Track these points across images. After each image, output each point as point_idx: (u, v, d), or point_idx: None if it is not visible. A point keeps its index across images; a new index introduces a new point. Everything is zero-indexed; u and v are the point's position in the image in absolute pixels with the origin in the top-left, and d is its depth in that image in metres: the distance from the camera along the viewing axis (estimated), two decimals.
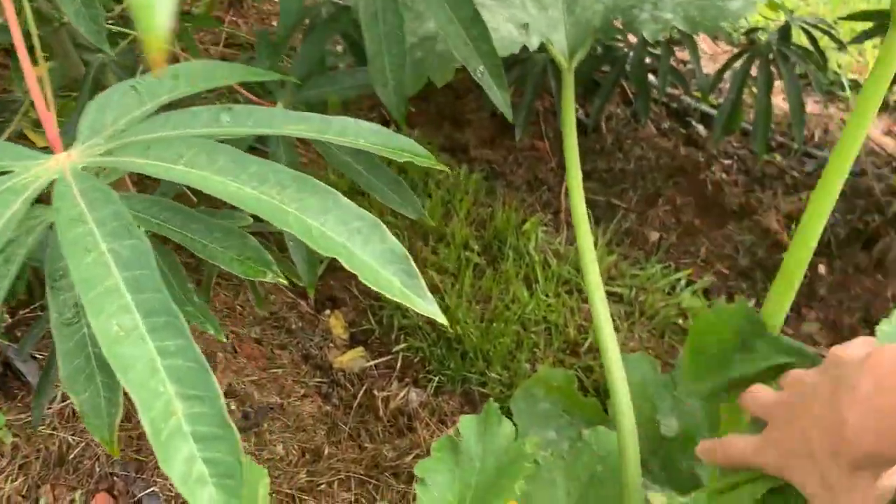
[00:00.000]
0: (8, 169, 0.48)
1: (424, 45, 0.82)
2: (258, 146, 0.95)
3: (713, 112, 1.85)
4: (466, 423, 0.82)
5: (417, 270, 0.47)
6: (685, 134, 2.03)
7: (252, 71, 0.62)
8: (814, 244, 0.76)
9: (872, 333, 1.64)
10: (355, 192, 1.46)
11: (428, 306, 0.46)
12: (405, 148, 0.57)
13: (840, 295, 1.65)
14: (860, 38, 1.61)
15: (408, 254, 0.46)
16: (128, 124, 0.53)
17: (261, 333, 1.50)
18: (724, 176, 1.88)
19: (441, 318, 0.47)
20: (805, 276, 1.72)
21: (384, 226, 0.47)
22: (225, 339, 0.99)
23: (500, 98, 0.81)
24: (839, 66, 2.46)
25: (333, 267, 1.68)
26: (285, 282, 0.64)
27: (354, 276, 1.46)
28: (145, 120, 0.53)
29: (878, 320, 1.64)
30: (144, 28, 0.26)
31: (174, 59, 1.20)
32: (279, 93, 0.94)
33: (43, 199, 0.47)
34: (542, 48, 0.89)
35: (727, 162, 1.93)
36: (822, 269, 1.70)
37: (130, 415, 1.18)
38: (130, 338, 0.40)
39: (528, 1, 0.89)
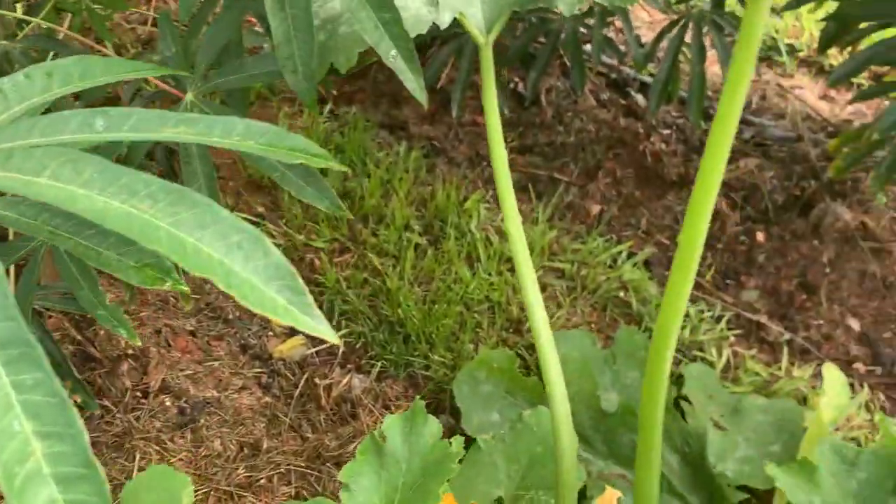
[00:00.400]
0: None
1: (327, 28, 0.79)
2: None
3: (652, 82, 1.84)
4: (391, 424, 0.80)
5: (304, 286, 0.44)
6: (624, 105, 2.02)
7: (135, 65, 0.58)
8: (708, 212, 0.76)
9: (809, 299, 1.65)
10: None
11: (317, 325, 0.44)
12: (298, 148, 0.54)
13: (778, 261, 1.67)
14: (792, 5, 1.61)
15: (293, 269, 0.44)
16: None
17: (196, 325, 1.46)
18: (663, 146, 1.88)
19: (334, 339, 0.45)
20: (744, 244, 1.74)
21: (267, 239, 0.44)
22: (140, 343, 0.95)
23: (414, 82, 0.78)
24: (776, 32, 2.47)
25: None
26: (186, 289, 0.61)
27: (294, 262, 1.42)
28: (9, 126, 0.49)
29: (814, 285, 1.65)
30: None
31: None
32: (189, 82, 0.90)
33: None
34: (456, 23, 0.86)
35: (666, 132, 1.93)
36: (760, 236, 1.71)
37: None
38: None
39: None
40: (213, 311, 1.51)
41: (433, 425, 0.84)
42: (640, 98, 2.04)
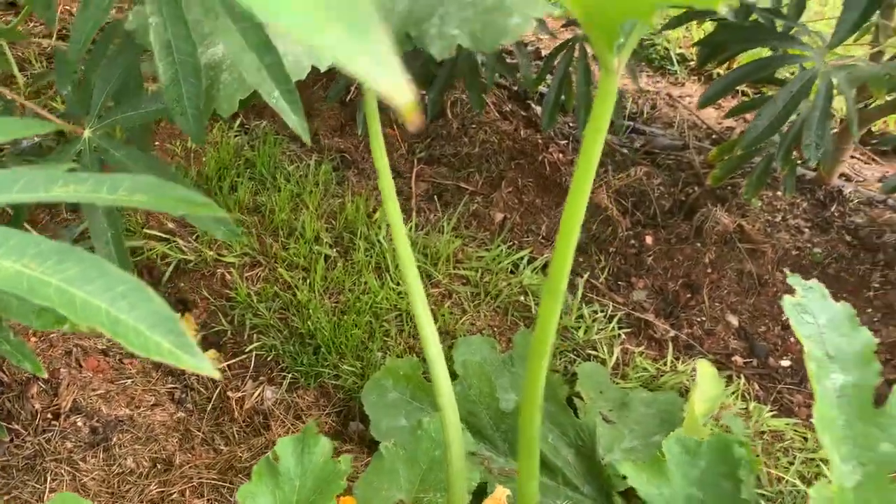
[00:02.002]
0: None
1: (209, 74, 0.84)
2: None
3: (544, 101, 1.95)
4: (284, 445, 0.86)
5: (184, 328, 0.50)
6: (525, 116, 2.13)
7: (26, 124, 0.62)
8: (580, 217, 0.85)
9: (693, 297, 1.77)
10: None
11: (199, 363, 0.50)
12: (182, 199, 0.59)
13: (665, 263, 1.80)
14: (671, 24, 1.74)
15: (174, 313, 0.50)
16: None
17: (107, 344, 1.48)
18: (560, 156, 1.99)
19: (215, 374, 0.51)
20: (634, 248, 1.87)
21: (149, 288, 0.50)
22: (46, 374, 0.99)
23: (295, 122, 0.84)
24: (668, 42, 2.63)
25: (185, 269, 1.67)
26: (85, 330, 0.66)
27: (206, 277, 1.49)
28: None
29: (697, 284, 1.77)
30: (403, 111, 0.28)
31: None
32: (87, 119, 0.93)
33: None
34: (333, 67, 0.93)
35: (563, 142, 2.04)
36: (648, 239, 1.84)
37: None
38: None
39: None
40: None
41: (324, 445, 0.90)
42: (539, 110, 2.14)
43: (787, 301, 0.78)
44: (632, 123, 2.12)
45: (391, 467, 1.14)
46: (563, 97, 1.74)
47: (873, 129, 2.26)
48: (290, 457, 0.90)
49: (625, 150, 2.04)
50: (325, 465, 0.87)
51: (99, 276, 0.49)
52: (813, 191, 1.87)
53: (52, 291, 0.48)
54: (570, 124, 2.10)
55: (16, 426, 1.27)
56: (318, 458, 0.88)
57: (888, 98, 1.70)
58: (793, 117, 1.46)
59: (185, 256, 1.65)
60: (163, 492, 1.22)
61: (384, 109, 2.22)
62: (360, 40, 0.26)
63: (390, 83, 0.27)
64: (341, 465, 0.87)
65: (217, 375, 0.51)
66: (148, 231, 1.69)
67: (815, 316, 0.77)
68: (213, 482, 1.26)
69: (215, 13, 0.76)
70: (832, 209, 1.83)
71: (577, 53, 1.66)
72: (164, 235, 1.68)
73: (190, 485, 1.24)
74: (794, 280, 0.81)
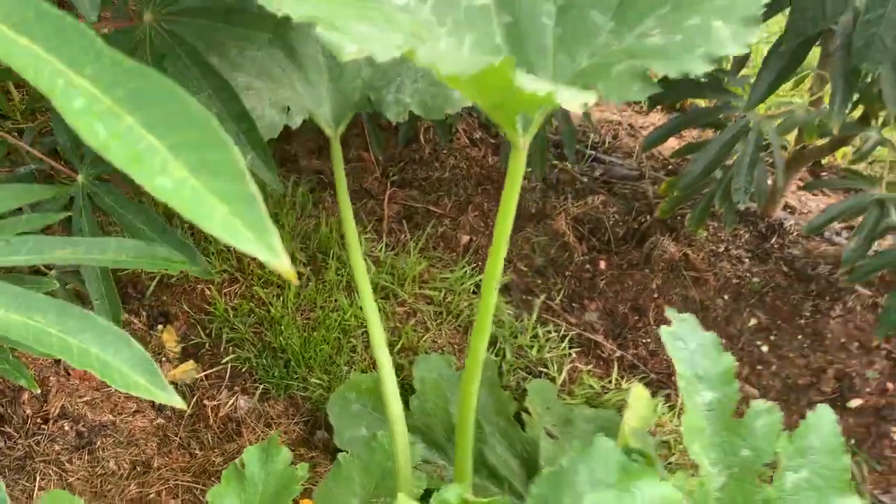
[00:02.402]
0: None
1: None
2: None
3: None
4: (251, 453, 0.99)
5: (158, 369, 0.63)
6: (494, 144, 2.26)
7: (33, 190, 0.75)
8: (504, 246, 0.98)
9: (640, 320, 1.90)
10: None
11: (169, 398, 0.63)
12: (162, 257, 0.72)
13: (616, 287, 1.94)
14: None
15: (149, 357, 0.63)
16: None
17: None
18: (525, 183, 2.13)
19: (181, 405, 0.64)
20: (588, 272, 2.00)
21: (131, 338, 0.63)
22: (37, 389, 1.11)
23: (269, 178, 0.97)
24: None
25: (167, 283, 1.79)
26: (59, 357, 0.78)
27: (187, 292, 1.66)
28: None
29: (644, 308, 1.92)
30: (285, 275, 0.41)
31: None
32: (81, 166, 1.06)
33: None
34: (308, 121, 1.06)
35: (528, 170, 2.17)
36: (602, 264, 1.98)
37: None
38: None
39: (296, 81, 1.05)
40: None
41: (285, 454, 1.04)
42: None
43: (664, 330, 0.92)
44: (593, 153, 2.26)
45: (348, 475, 1.27)
46: None
47: (823, 161, 2.42)
48: (255, 463, 1.03)
49: (585, 179, 2.18)
50: (285, 472, 1.00)
51: (91, 327, 0.62)
52: (756, 223, 2.02)
53: (53, 341, 0.60)
54: None
55: (8, 429, 1.39)
56: (279, 465, 1.01)
57: (821, 141, 1.85)
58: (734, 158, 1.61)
59: (167, 272, 1.78)
60: (141, 492, 1.35)
61: (358, 134, 2.35)
62: (244, 218, 0.38)
63: (269, 255, 0.38)
64: (299, 471, 1.00)
65: (182, 405, 0.64)
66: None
67: (687, 343, 0.92)
68: (187, 484, 1.39)
69: (201, 89, 0.89)
70: (772, 241, 1.98)
71: None
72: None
73: (166, 486, 1.37)
74: (670, 312, 0.95)
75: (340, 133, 1.09)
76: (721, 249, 1.97)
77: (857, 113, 1.73)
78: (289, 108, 1.01)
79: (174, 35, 0.93)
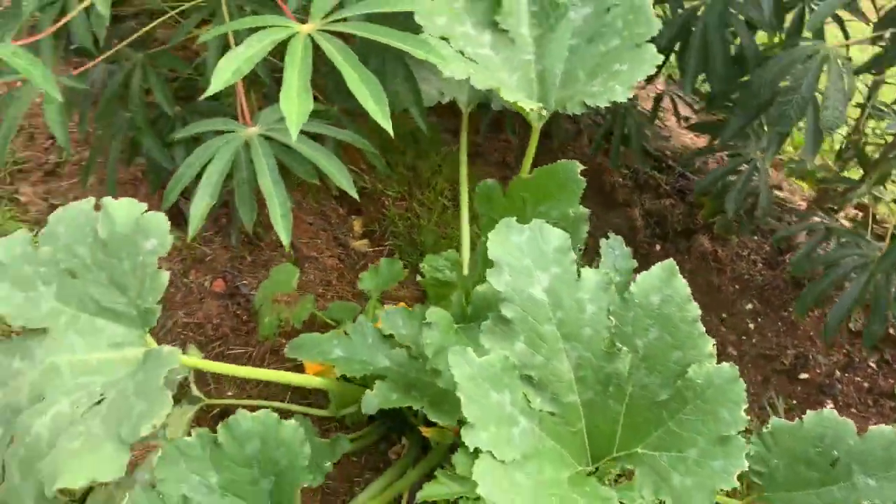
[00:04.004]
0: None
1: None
2: None
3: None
4: (381, 261, 1.95)
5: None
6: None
7: None
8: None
9: None
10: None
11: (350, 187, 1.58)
12: (370, 151, 1.68)
13: None
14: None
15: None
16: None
17: (314, 218, 2.65)
18: (620, 180, 2.92)
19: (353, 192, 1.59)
20: (644, 250, 2.76)
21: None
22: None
23: (421, 122, 1.90)
24: None
25: (364, 192, 2.81)
26: None
27: (374, 199, 3.00)
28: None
29: None
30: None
31: None
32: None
33: None
34: (452, 102, 1.98)
35: (625, 170, 2.96)
36: (657, 247, 2.73)
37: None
38: None
39: (451, 77, 1.97)
40: (323, 216, 2.69)
41: (397, 265, 1.98)
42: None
43: (602, 241, 1.73)
44: (682, 170, 2.99)
45: None
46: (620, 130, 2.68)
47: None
48: (384, 264, 2.00)
49: (666, 187, 2.93)
50: (398, 270, 1.95)
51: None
52: (780, 240, 2.67)
53: None
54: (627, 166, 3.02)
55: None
56: (396, 266, 1.96)
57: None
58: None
59: (364, 185, 2.80)
60: (322, 292, 2.36)
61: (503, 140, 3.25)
62: (375, 97, 1.30)
63: (381, 118, 1.31)
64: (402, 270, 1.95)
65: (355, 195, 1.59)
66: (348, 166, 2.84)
67: (613, 249, 1.72)
68: (348, 291, 2.39)
69: (396, 76, 1.83)
70: (786, 256, 2.63)
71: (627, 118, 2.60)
72: (356, 169, 2.84)
73: (337, 295, 2.37)
74: (611, 235, 1.75)
75: (470, 111, 2.00)
76: (744, 253, 2.65)
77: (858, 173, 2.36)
78: (442, 92, 1.94)
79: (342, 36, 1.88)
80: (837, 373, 2.39)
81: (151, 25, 1.88)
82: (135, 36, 1.89)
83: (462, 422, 1.21)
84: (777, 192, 3.01)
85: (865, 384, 2.38)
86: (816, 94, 1.84)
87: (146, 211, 1.38)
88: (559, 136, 3.08)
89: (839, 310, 2.04)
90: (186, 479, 1.29)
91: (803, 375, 2.38)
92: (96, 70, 2.03)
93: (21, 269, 1.42)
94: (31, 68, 1.42)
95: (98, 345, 1.39)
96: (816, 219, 2.31)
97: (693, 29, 1.95)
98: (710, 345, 1.30)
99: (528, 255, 1.30)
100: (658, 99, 2.72)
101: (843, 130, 2.45)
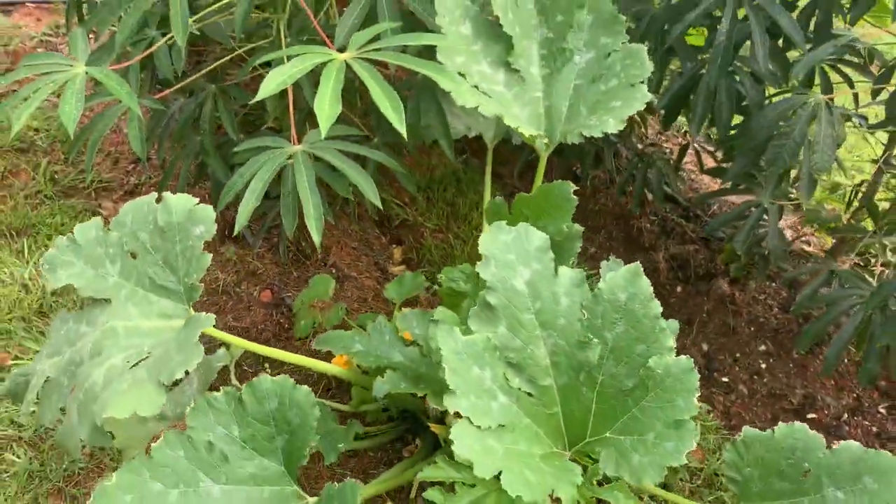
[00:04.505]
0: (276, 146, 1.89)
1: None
2: None
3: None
4: (403, 275, 2.18)
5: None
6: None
7: None
8: None
9: (689, 329, 2.84)
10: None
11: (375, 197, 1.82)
12: (402, 174, 1.92)
13: (679, 305, 2.81)
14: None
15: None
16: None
17: (358, 244, 2.90)
18: (647, 225, 3.09)
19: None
20: (666, 291, 2.90)
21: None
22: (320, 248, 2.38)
23: (445, 143, 2.14)
24: None
25: (405, 224, 3.05)
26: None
27: (413, 230, 3.31)
28: None
29: (692, 321, 2.87)
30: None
31: None
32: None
33: None
34: (478, 137, 2.22)
35: (653, 217, 3.12)
36: (679, 289, 2.87)
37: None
38: None
39: (479, 114, 2.20)
40: (366, 243, 2.94)
41: (419, 277, 2.20)
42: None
43: (612, 259, 1.90)
44: (708, 219, 3.14)
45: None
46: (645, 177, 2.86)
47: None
48: (407, 276, 2.22)
49: (692, 234, 3.08)
50: (419, 281, 2.17)
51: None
52: (787, 282, 2.77)
53: None
54: (666, 209, 3.18)
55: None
56: (419, 279, 2.18)
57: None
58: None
59: (406, 217, 3.04)
60: (349, 295, 2.59)
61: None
62: (395, 110, 1.55)
63: (396, 122, 1.56)
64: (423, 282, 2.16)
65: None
66: (392, 200, 3.11)
67: (613, 268, 1.89)
68: (376, 297, 2.61)
69: (430, 110, 2.09)
70: None
71: (651, 166, 2.78)
72: (400, 203, 3.09)
73: (363, 295, 2.60)
74: (612, 258, 1.92)
75: (495, 144, 2.23)
76: (761, 297, 2.76)
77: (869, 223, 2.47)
78: (469, 127, 2.18)
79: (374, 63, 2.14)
80: (846, 415, 2.45)
81: (223, 61, 2.19)
82: (207, 69, 2.21)
83: (445, 390, 1.40)
84: (804, 247, 3.12)
85: (874, 428, 2.43)
86: (810, 139, 2.00)
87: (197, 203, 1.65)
88: (593, 183, 3.29)
89: (837, 345, 2.14)
90: (213, 429, 1.51)
91: (811, 415, 2.46)
92: (175, 102, 2.36)
93: (94, 251, 1.70)
94: (119, 88, 1.73)
95: (150, 314, 1.65)
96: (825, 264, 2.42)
97: (700, 79, 2.15)
98: (670, 339, 1.46)
99: (513, 252, 1.50)
100: (684, 148, 2.90)
101: (857, 179, 2.57)
